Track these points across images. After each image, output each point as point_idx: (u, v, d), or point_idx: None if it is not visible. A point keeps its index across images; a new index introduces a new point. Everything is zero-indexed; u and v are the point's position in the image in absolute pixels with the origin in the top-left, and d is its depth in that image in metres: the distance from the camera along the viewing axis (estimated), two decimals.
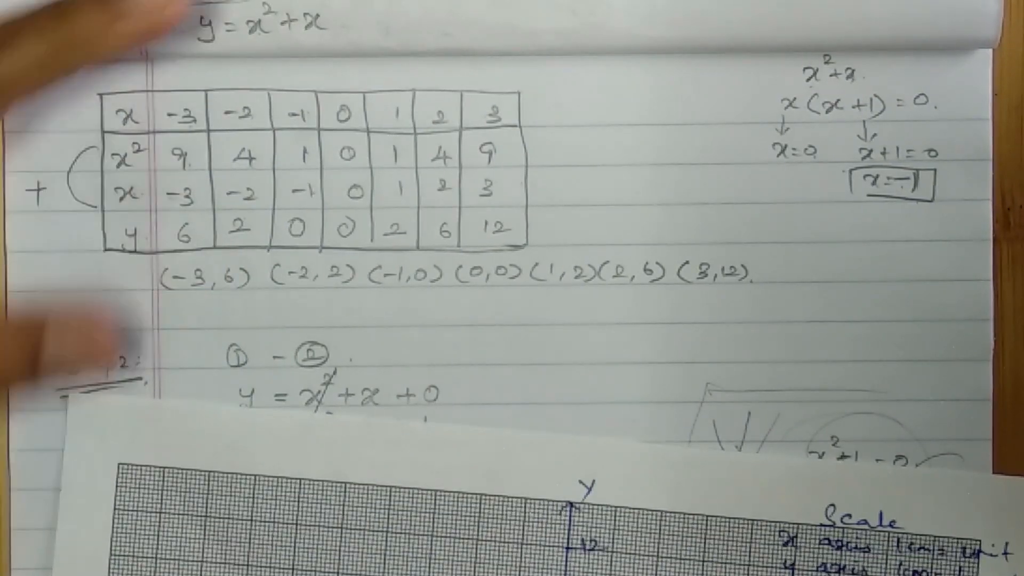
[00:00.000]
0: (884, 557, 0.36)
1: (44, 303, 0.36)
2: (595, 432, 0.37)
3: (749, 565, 0.37)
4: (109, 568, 0.37)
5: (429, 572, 0.37)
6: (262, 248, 0.37)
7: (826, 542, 0.36)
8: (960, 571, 0.36)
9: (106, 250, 0.37)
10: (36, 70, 0.33)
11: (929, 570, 0.36)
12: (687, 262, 0.37)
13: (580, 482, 0.37)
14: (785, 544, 0.36)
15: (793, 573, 0.37)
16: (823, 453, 0.37)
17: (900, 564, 0.36)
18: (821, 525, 0.36)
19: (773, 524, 0.36)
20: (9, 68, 0.33)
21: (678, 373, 0.37)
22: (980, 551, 0.36)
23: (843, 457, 0.37)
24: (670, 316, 0.37)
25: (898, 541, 0.36)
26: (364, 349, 0.37)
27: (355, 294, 0.37)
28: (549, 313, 0.37)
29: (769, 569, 0.36)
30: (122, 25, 0.33)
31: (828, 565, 0.36)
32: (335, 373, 0.37)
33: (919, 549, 0.36)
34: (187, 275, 0.37)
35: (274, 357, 0.37)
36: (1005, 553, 0.36)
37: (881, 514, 0.36)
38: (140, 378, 0.37)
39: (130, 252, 0.37)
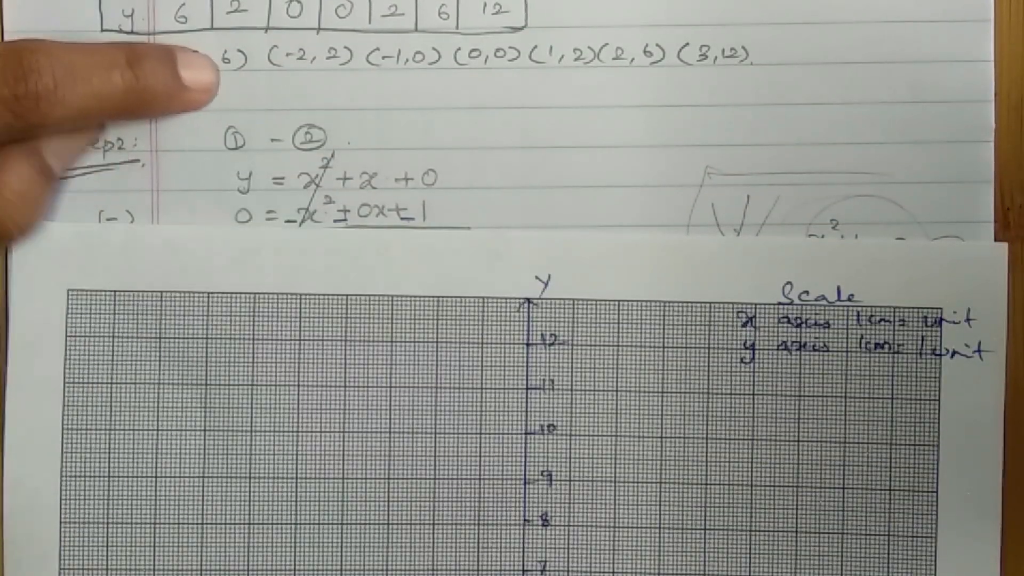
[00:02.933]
0: (844, 332, 0.36)
1: None
2: (595, 216, 0.36)
3: (709, 348, 0.37)
4: (64, 396, 0.36)
5: (390, 378, 0.37)
6: (259, 29, 0.37)
7: (785, 320, 0.36)
8: (923, 341, 0.36)
9: (103, 31, 0.36)
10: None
11: (891, 342, 0.36)
12: (687, 44, 0.36)
13: (536, 278, 0.36)
14: (744, 325, 0.36)
15: (754, 353, 0.36)
16: (823, 236, 0.36)
17: (861, 338, 0.36)
18: (779, 304, 0.36)
19: (730, 305, 0.36)
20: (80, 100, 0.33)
21: (677, 156, 0.36)
22: (942, 319, 0.36)
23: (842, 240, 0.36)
24: (669, 99, 0.36)
25: (857, 315, 0.36)
26: (362, 132, 0.37)
27: (353, 76, 0.37)
28: (548, 96, 0.37)
29: (729, 351, 0.37)
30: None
31: (788, 343, 0.36)
32: (333, 156, 0.37)
33: (879, 321, 0.36)
34: None
35: (272, 140, 0.37)
36: (968, 320, 0.36)
37: (839, 288, 0.36)
38: (137, 160, 0.37)
39: (127, 33, 0.36)
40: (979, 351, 0.36)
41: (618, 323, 0.37)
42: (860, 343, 0.36)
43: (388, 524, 0.37)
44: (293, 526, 0.37)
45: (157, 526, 0.37)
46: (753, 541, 0.37)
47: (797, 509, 0.36)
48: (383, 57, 0.37)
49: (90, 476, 0.37)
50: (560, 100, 0.36)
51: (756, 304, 0.36)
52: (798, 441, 0.36)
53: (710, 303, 0.36)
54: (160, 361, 0.37)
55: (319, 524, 0.37)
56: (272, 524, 0.37)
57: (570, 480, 0.37)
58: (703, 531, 0.37)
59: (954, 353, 0.36)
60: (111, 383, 0.37)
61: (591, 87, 0.36)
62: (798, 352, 0.36)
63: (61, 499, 0.36)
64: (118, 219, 0.37)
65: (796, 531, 0.36)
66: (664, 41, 0.36)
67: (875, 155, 0.36)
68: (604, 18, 0.36)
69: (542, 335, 0.37)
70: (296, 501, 0.37)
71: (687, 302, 0.36)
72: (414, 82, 0.37)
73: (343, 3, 0.36)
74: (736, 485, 0.37)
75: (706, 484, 0.37)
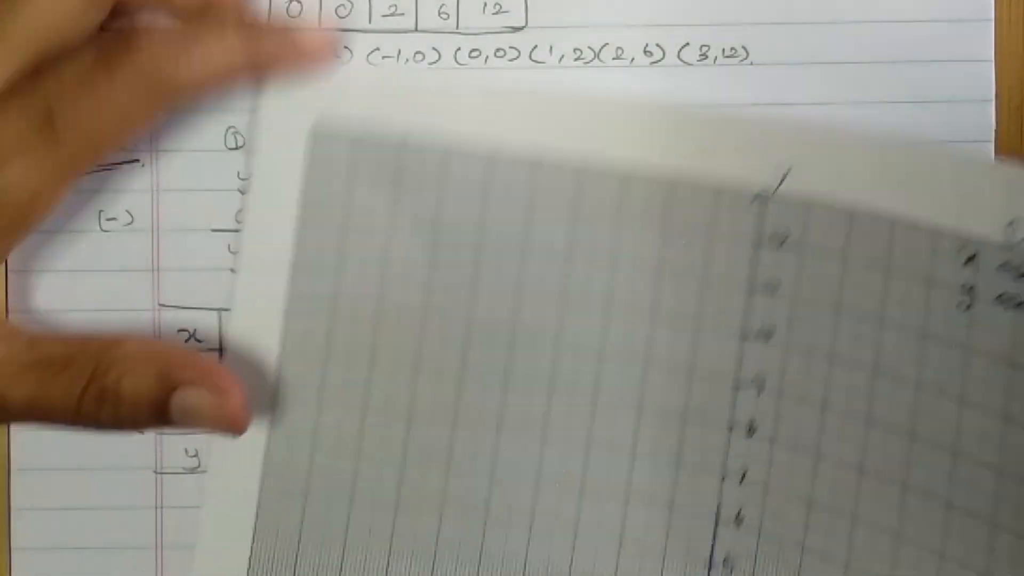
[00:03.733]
0: None
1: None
2: None
3: (930, 284, 0.32)
4: (296, 237, 0.36)
5: (614, 261, 0.35)
6: None
7: (1005, 267, 0.30)
8: None
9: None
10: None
11: None
12: (687, 44, 0.36)
13: (772, 170, 0.34)
14: (967, 263, 0.31)
15: (972, 299, 0.31)
16: None
17: None
18: (1000, 245, 0.31)
19: (956, 238, 0.32)
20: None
21: None
22: None
23: None
24: (670, 99, 0.36)
25: None
26: None
27: None
28: None
29: (949, 291, 0.32)
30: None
31: (1005, 296, 0.30)
32: None
33: None
34: None
35: None
36: None
37: None
38: (137, 160, 0.37)
39: None
40: None
41: (849, 233, 0.33)
42: None
43: (595, 408, 0.35)
44: (502, 390, 0.36)
45: (373, 367, 0.36)
46: (950, 518, 0.32)
47: (997, 500, 0.31)
48: (383, 57, 0.37)
49: (314, 316, 0.36)
50: None
51: (982, 241, 0.31)
52: (1006, 420, 0.31)
53: (937, 229, 0.32)
54: (394, 216, 0.36)
55: (527, 390, 0.36)
56: (481, 385, 0.36)
57: (780, 393, 0.34)
58: (900, 486, 0.33)
59: None
60: (344, 228, 0.36)
61: (591, 87, 0.36)
62: (1014, 311, 0.30)
63: (283, 335, 0.36)
64: (117, 219, 0.37)
65: (994, 524, 0.31)
66: (664, 41, 0.36)
67: None
68: (604, 18, 0.36)
69: (773, 233, 0.34)
70: (507, 373, 0.36)
71: (915, 225, 0.32)
72: None
73: (343, 3, 0.36)
74: (939, 448, 0.32)
75: (912, 434, 0.32)
